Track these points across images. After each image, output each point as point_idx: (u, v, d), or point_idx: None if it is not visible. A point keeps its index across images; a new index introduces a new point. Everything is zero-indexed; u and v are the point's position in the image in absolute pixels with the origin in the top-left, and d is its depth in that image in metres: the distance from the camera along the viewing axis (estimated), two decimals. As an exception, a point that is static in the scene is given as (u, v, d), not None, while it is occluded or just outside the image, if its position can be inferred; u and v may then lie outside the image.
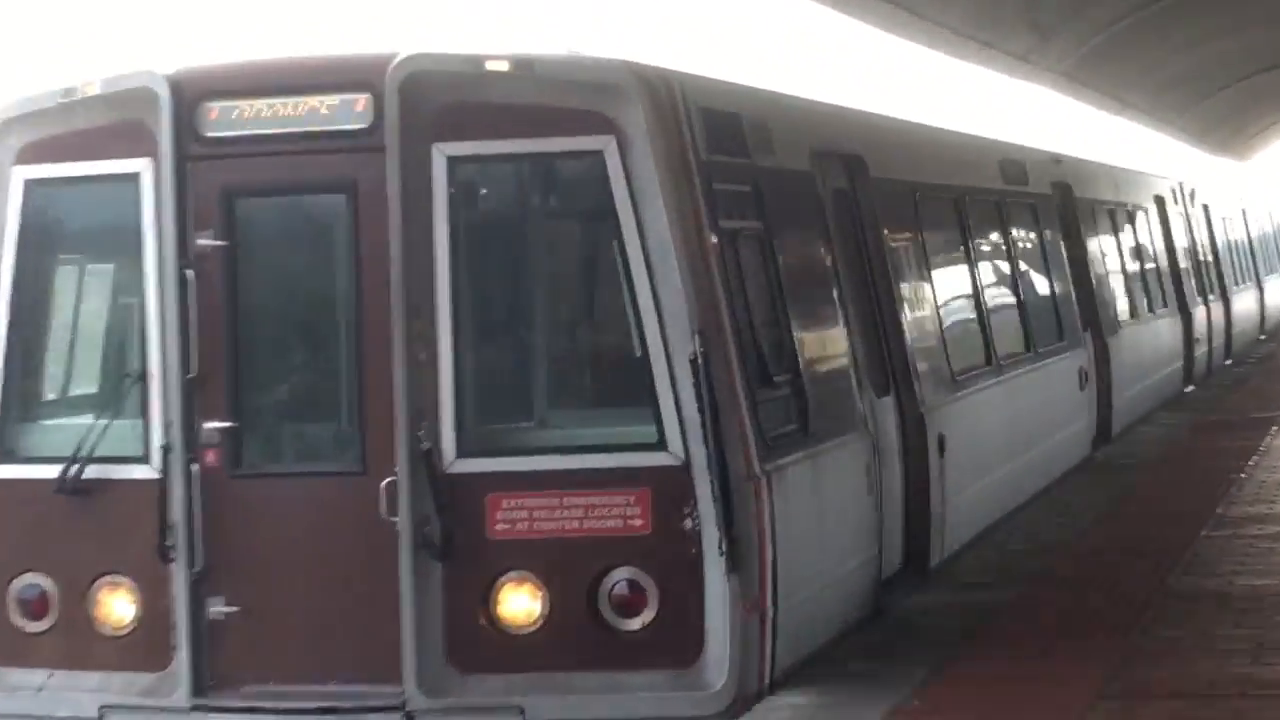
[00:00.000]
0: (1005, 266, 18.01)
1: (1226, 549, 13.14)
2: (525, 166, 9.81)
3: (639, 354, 9.20)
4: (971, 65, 29.38)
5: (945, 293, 15.32)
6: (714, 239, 9.52)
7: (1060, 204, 21.37)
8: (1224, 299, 33.26)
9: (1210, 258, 33.07)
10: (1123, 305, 23.69)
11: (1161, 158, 37.39)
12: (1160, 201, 28.69)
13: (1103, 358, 21.15)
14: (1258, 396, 25.59)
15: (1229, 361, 32.81)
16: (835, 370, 11.74)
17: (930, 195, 15.40)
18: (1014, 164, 19.34)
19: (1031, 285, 18.85)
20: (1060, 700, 9.09)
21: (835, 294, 11.97)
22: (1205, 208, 33.74)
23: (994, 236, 18.07)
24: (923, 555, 12.94)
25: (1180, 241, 29.70)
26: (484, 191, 9.96)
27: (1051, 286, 19.67)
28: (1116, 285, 23.62)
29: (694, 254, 9.24)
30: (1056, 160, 22.38)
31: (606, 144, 9.31)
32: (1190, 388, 28.04)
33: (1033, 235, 19.70)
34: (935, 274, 15.15)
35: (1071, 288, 20.58)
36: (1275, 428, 21.18)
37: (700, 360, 8.84)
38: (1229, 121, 55.20)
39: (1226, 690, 9.13)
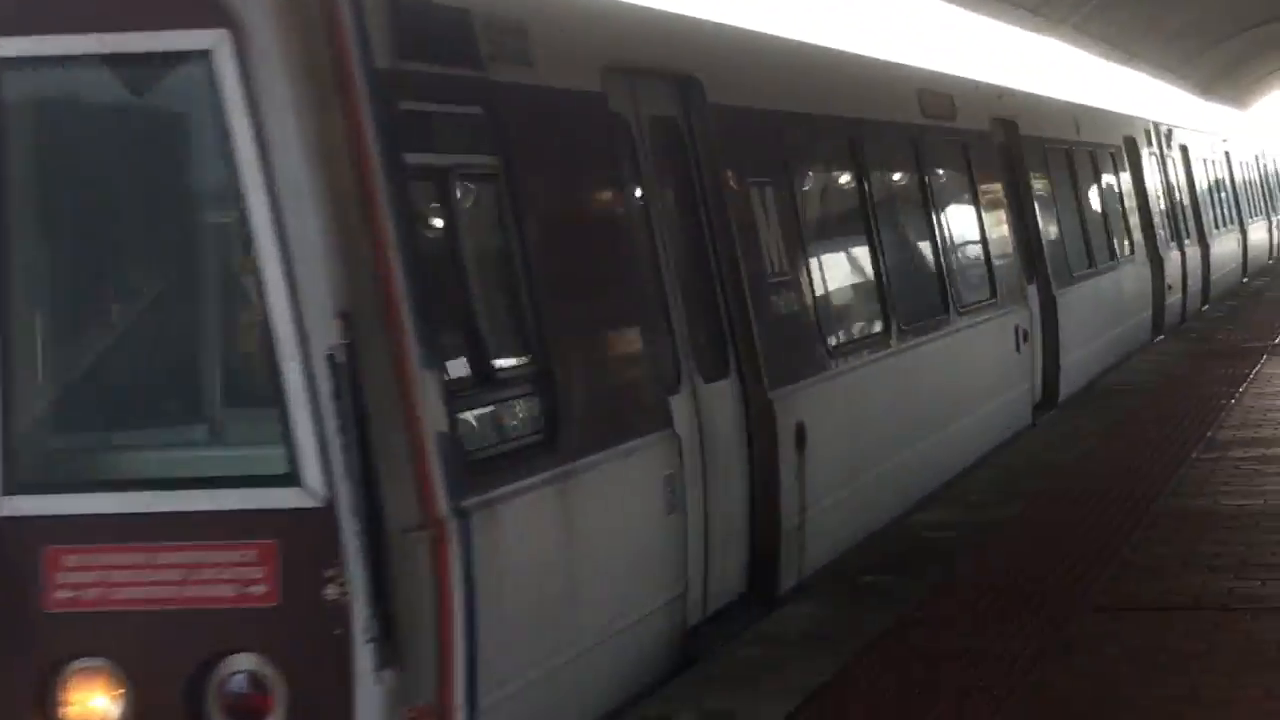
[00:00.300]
0: (916, 216, 14.50)
1: (1214, 471, 13.24)
2: (101, 73, 6.50)
3: (263, 346, 6.25)
4: (983, 18, 29.05)
5: (822, 250, 12.05)
6: (385, 181, 6.45)
7: (1004, 143, 18.17)
8: (1202, 244, 30.79)
9: (1187, 201, 30.33)
10: (1078, 254, 20.55)
11: (1162, 105, 35.14)
12: (1131, 142, 25.89)
13: (1050, 314, 17.95)
14: (1253, 328, 25.26)
15: (1205, 307, 30.30)
16: (620, 357, 8.60)
17: (804, 128, 11.86)
18: (938, 95, 15.79)
19: (953, 237, 15.27)
20: (1054, 610, 9.24)
21: (632, 254, 8.79)
22: (1184, 149, 31.12)
23: (902, 180, 14.61)
24: (770, 578, 9.87)
25: (1152, 184, 26.75)
26: (43, 111, 6.63)
27: (984, 237, 16.18)
28: (1071, 233, 20.48)
29: (342, 201, 6.24)
30: (999, 95, 18.81)
31: (218, 41, 6.20)
32: (1160, 337, 25.19)
33: (961, 178, 16.11)
34: (808, 227, 11.72)
35: (1012, 237, 17.23)
36: (1265, 356, 21.00)
37: (342, 355, 5.97)
38: (1230, 71, 54.80)
39: (1210, 604, 9.17)
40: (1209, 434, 15.10)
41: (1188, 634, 8.63)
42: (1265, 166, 46.65)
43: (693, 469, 8.88)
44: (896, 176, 14.40)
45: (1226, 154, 37.63)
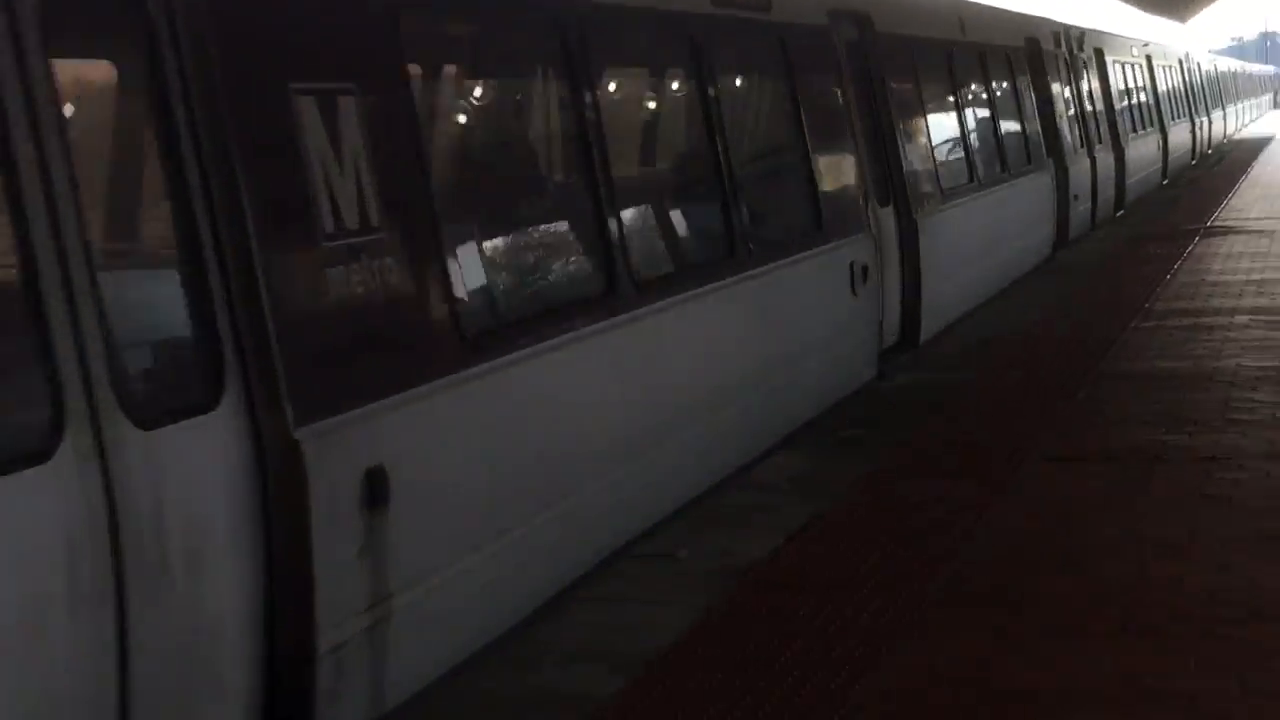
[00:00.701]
0: (710, 140, 9.53)
1: (1151, 338, 13.22)
2: None
3: None
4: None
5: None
6: None
7: (853, 41, 12.84)
8: (1116, 149, 25.99)
9: (1100, 105, 25.54)
10: (953, 171, 15.27)
11: (1087, 12, 32.98)
12: (1035, 44, 20.76)
13: (910, 243, 12.86)
14: (1191, 212, 25.19)
15: (1120, 213, 25.69)
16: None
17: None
18: None
19: (770, 165, 11.23)
20: (1009, 460, 9.30)
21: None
22: (1098, 53, 26.24)
23: (679, 91, 10.17)
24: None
25: (1058, 89, 21.79)
26: None
27: (810, 160, 11.02)
28: (943, 147, 15.29)
29: None
30: None
31: None
32: (1061, 251, 20.45)
33: (776, 89, 11.22)
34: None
35: (857, 157, 12.04)
36: (1198, 238, 20.91)
37: None
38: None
39: (1146, 454, 9.24)
40: (1146, 305, 15.07)
41: (1126, 480, 8.66)
42: (1190, 70, 42.49)
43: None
44: (664, 89, 10.47)
45: (1148, 58, 32.87)
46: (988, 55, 17.84)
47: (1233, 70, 59.79)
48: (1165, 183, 32.59)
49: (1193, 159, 39.41)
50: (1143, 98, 31.27)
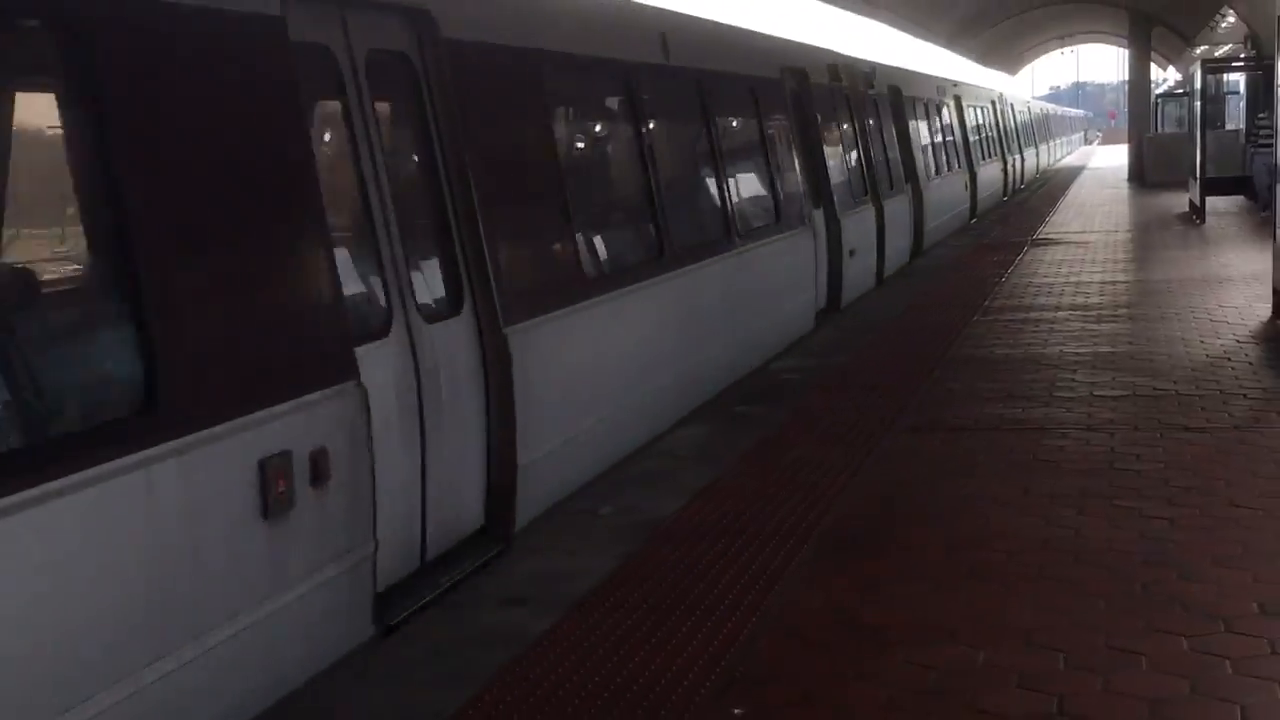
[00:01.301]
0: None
1: (989, 329, 13.07)
2: None
3: None
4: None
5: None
6: None
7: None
8: (915, 192, 20.42)
9: (895, 147, 19.67)
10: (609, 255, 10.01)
11: (947, 70, 32.34)
12: (800, 77, 14.43)
13: (502, 393, 7.06)
14: (1018, 228, 25.19)
15: (917, 258, 20.40)
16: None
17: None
18: None
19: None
20: (870, 429, 9.10)
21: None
22: (894, 90, 20.61)
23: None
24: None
25: (833, 131, 15.80)
26: None
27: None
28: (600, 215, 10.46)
29: None
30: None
31: None
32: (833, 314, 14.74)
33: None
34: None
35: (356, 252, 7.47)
36: (1026, 247, 20.94)
37: None
38: (1003, 45, 54.75)
39: (987, 425, 9.10)
40: (984, 303, 15.00)
41: (971, 448, 8.51)
42: (1003, 110, 36.68)
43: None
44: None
45: (957, 98, 27.78)
46: (712, 87, 11.43)
47: (1047, 112, 59.85)
48: (974, 221, 27.36)
49: (1005, 195, 34.05)
50: (949, 137, 25.97)
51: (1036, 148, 48.00)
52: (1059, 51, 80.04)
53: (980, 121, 30.92)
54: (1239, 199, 26.70)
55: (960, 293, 16.09)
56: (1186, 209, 25.80)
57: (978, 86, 34.01)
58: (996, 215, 29.06)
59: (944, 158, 24.68)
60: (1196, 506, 7.04)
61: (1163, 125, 42.78)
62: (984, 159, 30.29)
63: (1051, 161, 57.11)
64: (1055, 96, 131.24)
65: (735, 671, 5.23)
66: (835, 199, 14.97)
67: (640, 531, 7.02)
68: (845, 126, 16.60)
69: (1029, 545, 6.55)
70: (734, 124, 12.32)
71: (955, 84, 28.45)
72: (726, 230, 11.17)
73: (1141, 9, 37.29)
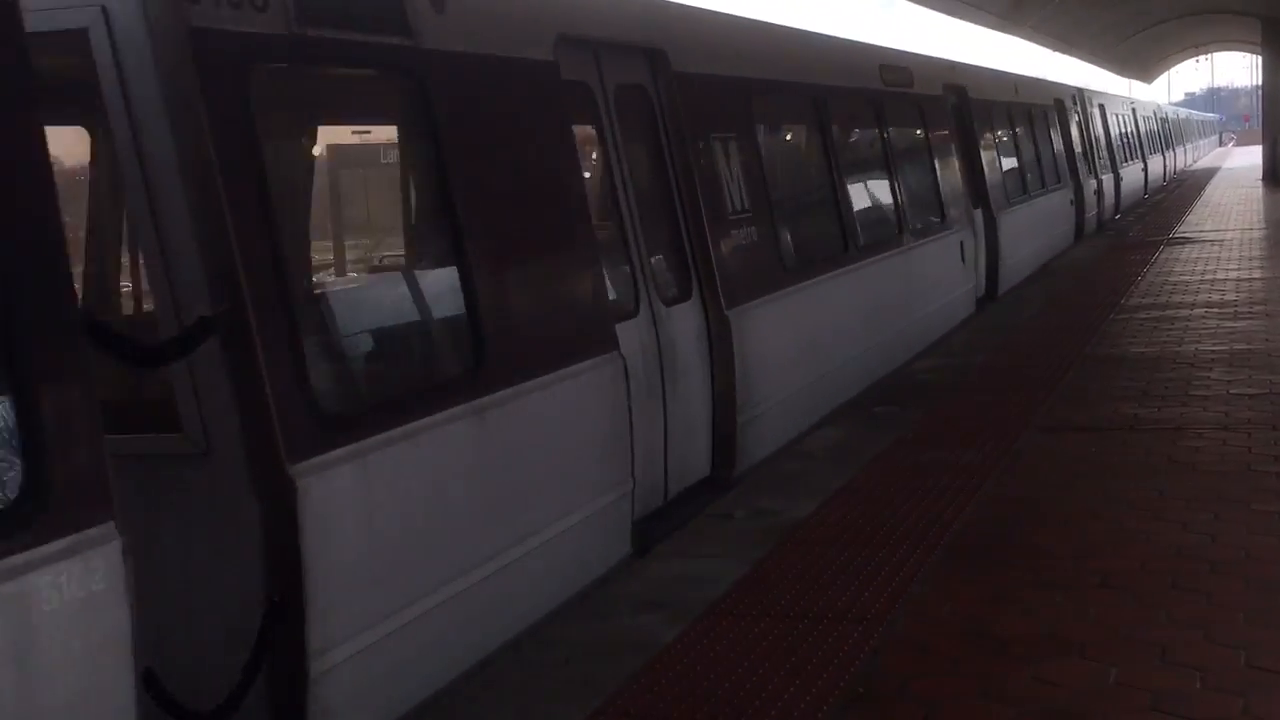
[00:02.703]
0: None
1: (1125, 327, 12.19)
2: None
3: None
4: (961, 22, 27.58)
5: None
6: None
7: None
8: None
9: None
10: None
11: (1089, 78, 32.37)
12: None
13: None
14: (1155, 228, 23.85)
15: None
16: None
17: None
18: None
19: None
20: (1009, 431, 8.42)
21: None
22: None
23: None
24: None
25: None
26: None
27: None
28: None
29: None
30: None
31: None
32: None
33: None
34: None
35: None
36: (1162, 246, 19.71)
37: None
38: (1139, 55, 52.57)
39: (1120, 425, 8.36)
40: (1121, 301, 14.04)
41: (1105, 449, 7.78)
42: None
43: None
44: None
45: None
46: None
47: (1180, 116, 57.08)
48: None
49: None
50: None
51: (1173, 150, 45.97)
52: (1194, 60, 76.57)
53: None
54: (1374, 195, 24.92)
55: (1098, 290, 15.12)
56: (1322, 206, 24.16)
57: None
58: (1135, 214, 27.61)
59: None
60: (1339, 512, 6.24)
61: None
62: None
63: (1188, 163, 54.52)
64: (1190, 102, 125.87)
65: (859, 687, 4.68)
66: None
67: (772, 536, 6.49)
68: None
69: (1163, 553, 5.85)
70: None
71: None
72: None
73: (1274, 15, 35.17)
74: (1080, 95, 23.89)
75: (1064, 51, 40.90)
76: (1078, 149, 22.47)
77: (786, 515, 6.80)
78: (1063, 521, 6.43)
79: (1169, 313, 12.91)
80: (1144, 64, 56.63)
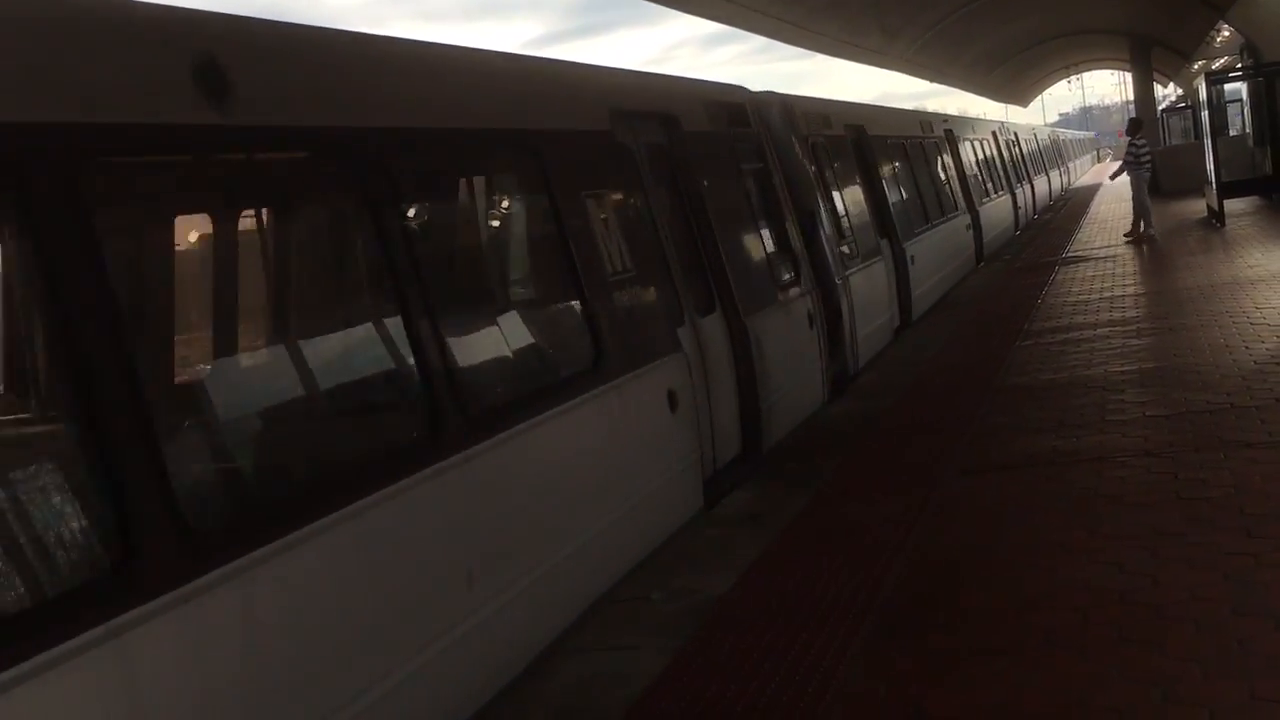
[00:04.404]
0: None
1: (1031, 354, 11.94)
2: None
3: None
4: (837, 60, 27.61)
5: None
6: None
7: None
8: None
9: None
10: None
11: (962, 108, 32.30)
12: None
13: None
14: (1047, 248, 23.86)
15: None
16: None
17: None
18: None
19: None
20: (925, 474, 8.13)
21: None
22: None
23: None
24: None
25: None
26: None
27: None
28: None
29: None
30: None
31: None
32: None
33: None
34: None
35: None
36: (1057, 266, 19.68)
37: None
38: (1013, 80, 53.48)
39: (1040, 460, 8.13)
40: (1024, 326, 13.84)
41: (1028, 487, 7.42)
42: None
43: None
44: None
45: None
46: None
47: (1057, 137, 57.78)
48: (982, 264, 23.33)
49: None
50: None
51: (1054, 171, 46.51)
52: (1065, 81, 78.17)
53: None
54: (1253, 200, 25.23)
55: (1000, 317, 14.93)
56: (1205, 214, 24.37)
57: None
58: (1025, 238, 27.74)
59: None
60: (1278, 537, 5.90)
61: (1169, 138, 41.05)
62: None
63: (1069, 184, 55.32)
64: (1065, 121, 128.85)
65: (796, 793, 4.20)
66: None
67: (691, 619, 6.00)
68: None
69: (1105, 600, 5.45)
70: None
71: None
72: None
73: (1139, 33, 35.89)
74: (974, 125, 24.40)
75: (940, 82, 41.36)
76: (970, 176, 22.47)
77: (704, 593, 6.32)
78: (995, 574, 6.02)
79: (1074, 335, 12.69)
80: (1018, 88, 57.58)
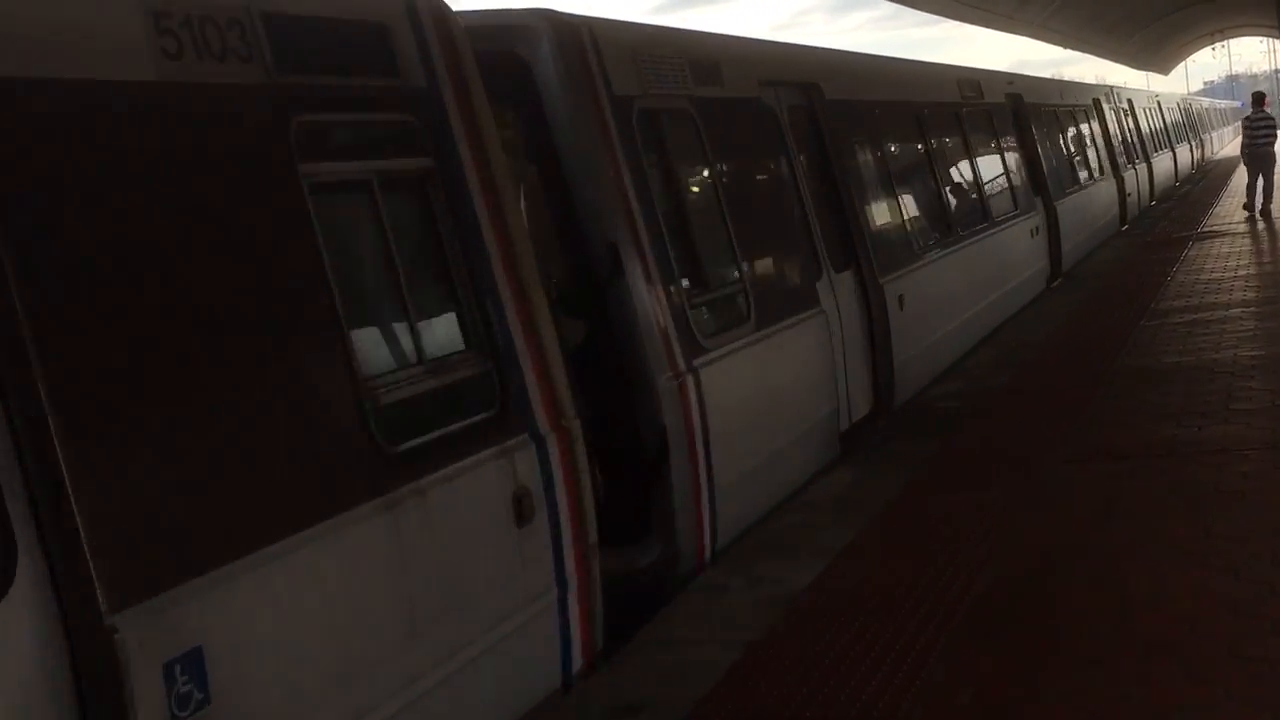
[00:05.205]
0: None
1: (1156, 334, 11.28)
2: None
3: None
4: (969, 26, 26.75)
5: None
6: None
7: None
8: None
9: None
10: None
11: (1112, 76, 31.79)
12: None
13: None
14: (1181, 223, 22.77)
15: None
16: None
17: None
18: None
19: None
20: (1033, 464, 7.65)
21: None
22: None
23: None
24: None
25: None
26: None
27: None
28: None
29: None
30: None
31: None
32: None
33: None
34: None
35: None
36: (1190, 242, 18.76)
37: None
38: (1154, 47, 51.59)
39: (1159, 450, 7.68)
40: (1151, 305, 13.17)
41: (1142, 479, 6.94)
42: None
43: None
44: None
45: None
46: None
47: (1198, 107, 55.85)
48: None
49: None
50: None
51: (1194, 140, 44.94)
52: (1210, 48, 75.16)
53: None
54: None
55: (1126, 294, 14.23)
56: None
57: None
58: (1160, 210, 26.60)
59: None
60: None
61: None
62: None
63: (1210, 154, 53.26)
64: (1210, 90, 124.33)
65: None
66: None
67: (769, 610, 5.70)
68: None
69: (1217, 610, 5.02)
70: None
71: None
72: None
73: (1289, -3, 34.12)
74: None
75: (1075, 49, 39.97)
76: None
77: (785, 584, 6.01)
78: (1095, 573, 5.61)
79: (1203, 315, 12.01)
80: (1160, 56, 55.45)
